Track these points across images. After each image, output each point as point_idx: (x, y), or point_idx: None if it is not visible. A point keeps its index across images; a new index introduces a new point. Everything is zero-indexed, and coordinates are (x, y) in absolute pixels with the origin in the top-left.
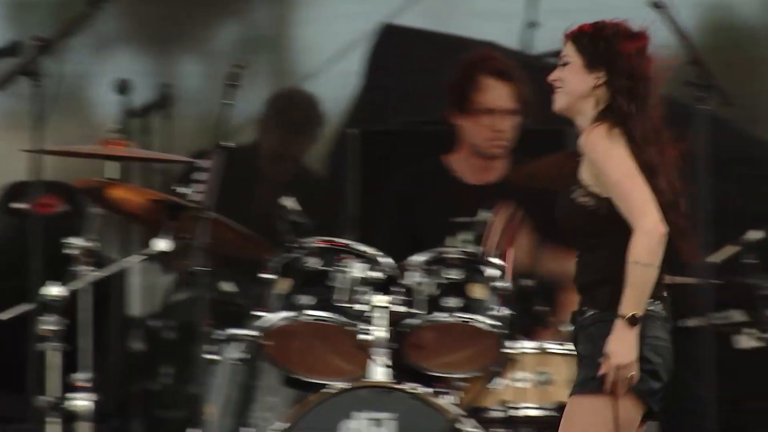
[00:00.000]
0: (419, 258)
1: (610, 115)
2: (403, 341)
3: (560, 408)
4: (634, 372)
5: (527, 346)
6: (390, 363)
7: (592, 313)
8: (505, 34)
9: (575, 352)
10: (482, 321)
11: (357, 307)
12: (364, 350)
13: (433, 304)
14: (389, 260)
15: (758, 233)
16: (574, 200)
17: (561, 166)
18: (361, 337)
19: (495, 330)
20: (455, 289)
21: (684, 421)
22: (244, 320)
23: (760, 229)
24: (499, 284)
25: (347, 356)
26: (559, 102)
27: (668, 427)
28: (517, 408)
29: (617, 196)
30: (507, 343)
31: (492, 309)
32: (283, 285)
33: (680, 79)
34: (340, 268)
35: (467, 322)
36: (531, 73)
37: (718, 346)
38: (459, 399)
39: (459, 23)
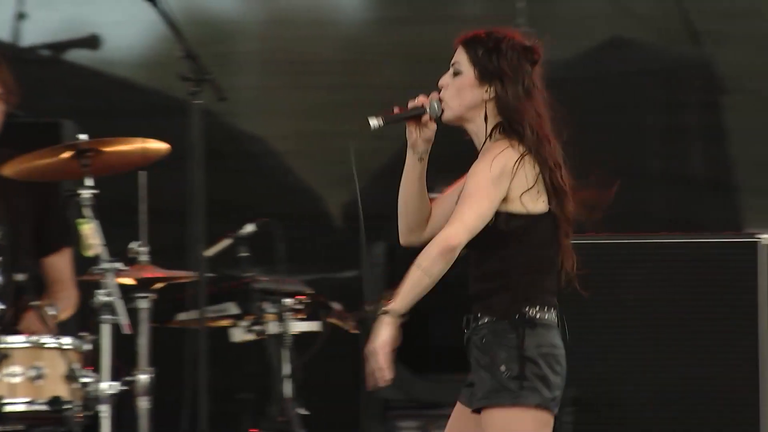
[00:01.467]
0: None
1: (506, 132)
2: None
3: (53, 402)
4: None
5: (20, 340)
6: None
7: (486, 320)
8: None
9: (474, 359)
10: None
11: None
12: None
13: None
14: None
15: (250, 227)
16: None
17: (54, 159)
18: None
19: None
20: None
21: (179, 413)
22: None
23: (252, 223)
24: None
25: None
26: (448, 114)
27: (164, 420)
28: (8, 404)
29: (459, 202)
30: None
31: None
32: None
33: (175, 74)
34: None
35: None
36: (23, 65)
37: (213, 338)
38: None
39: None
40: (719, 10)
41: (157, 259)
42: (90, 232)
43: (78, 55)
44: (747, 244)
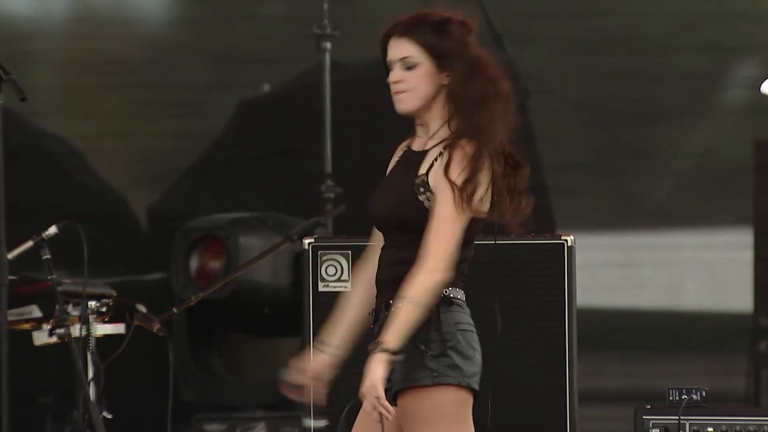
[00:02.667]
0: None
1: (464, 124)
2: None
3: None
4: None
5: None
6: None
7: None
8: None
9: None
10: None
11: None
12: None
13: None
14: None
15: (53, 228)
16: (420, 202)
17: None
18: None
19: None
20: None
21: None
22: None
23: (55, 224)
24: None
25: None
26: (408, 105)
27: None
28: None
29: (433, 228)
30: None
31: None
32: None
33: None
34: None
35: None
36: None
37: (15, 342)
38: None
39: None
40: (519, 12)
41: None
42: None
43: None
44: (554, 246)
